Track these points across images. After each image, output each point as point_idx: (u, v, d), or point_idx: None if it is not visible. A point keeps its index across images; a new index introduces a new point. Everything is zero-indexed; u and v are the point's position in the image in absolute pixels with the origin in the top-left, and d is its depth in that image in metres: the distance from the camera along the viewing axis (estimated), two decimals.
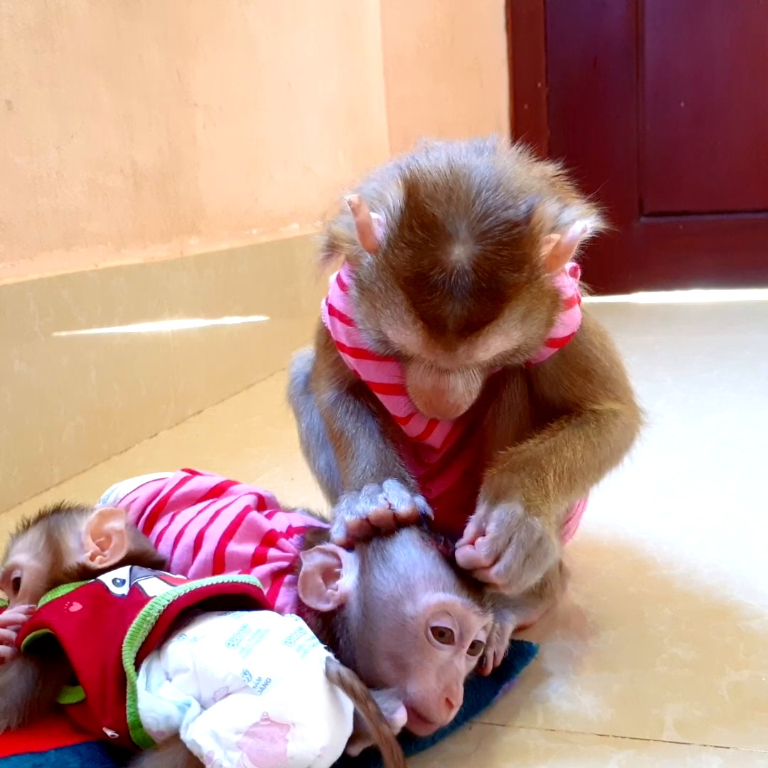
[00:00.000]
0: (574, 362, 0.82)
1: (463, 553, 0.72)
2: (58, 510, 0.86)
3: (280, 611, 0.74)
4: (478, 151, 0.75)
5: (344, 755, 0.65)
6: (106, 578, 0.76)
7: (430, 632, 0.69)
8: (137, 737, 0.66)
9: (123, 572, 0.77)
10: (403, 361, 0.76)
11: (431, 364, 0.72)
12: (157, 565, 0.82)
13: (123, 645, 0.68)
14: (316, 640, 0.67)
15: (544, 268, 0.71)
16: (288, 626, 0.67)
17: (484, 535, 0.72)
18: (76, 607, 0.73)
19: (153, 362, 1.69)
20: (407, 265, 0.69)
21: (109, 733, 0.67)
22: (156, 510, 0.89)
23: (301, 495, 1.03)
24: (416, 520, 0.76)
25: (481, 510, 0.75)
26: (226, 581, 0.72)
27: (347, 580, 0.74)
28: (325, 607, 0.73)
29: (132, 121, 1.66)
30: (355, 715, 0.64)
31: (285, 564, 0.79)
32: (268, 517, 0.86)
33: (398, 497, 0.76)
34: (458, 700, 0.69)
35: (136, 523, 0.89)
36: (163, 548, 0.85)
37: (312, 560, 0.75)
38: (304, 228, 2.36)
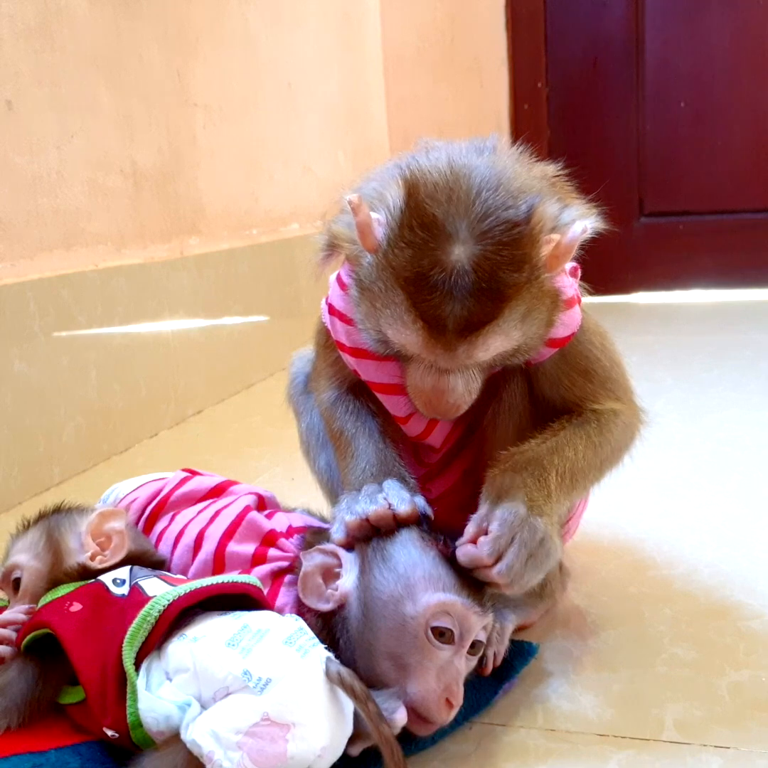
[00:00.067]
0: (574, 362, 0.82)
1: (465, 551, 0.72)
2: (58, 510, 0.86)
3: (280, 611, 0.74)
4: (478, 151, 0.75)
5: (344, 755, 0.65)
6: (106, 578, 0.76)
7: (430, 632, 0.69)
8: (137, 737, 0.66)
9: (123, 572, 0.77)
10: (403, 360, 0.76)
11: (431, 364, 0.72)
12: (157, 565, 0.82)
13: (123, 645, 0.68)
14: (317, 640, 0.67)
15: (544, 268, 0.71)
16: (288, 626, 0.67)
17: (485, 535, 0.72)
18: (76, 607, 0.73)
19: (153, 362, 1.69)
20: (407, 265, 0.69)
21: (109, 733, 0.67)
22: (156, 510, 0.89)
23: (301, 495, 1.03)
24: (416, 520, 0.76)
25: (483, 509, 0.75)
26: (226, 581, 0.72)
27: (347, 580, 0.74)
28: (325, 607, 0.73)
29: (132, 121, 1.66)
30: (355, 715, 0.64)
31: (285, 564, 0.79)
32: (268, 517, 0.86)
33: (398, 497, 0.76)
34: (458, 700, 0.69)
35: (137, 523, 0.89)
36: (164, 548, 0.85)
37: (312, 560, 0.75)
38: (304, 228, 2.36)
